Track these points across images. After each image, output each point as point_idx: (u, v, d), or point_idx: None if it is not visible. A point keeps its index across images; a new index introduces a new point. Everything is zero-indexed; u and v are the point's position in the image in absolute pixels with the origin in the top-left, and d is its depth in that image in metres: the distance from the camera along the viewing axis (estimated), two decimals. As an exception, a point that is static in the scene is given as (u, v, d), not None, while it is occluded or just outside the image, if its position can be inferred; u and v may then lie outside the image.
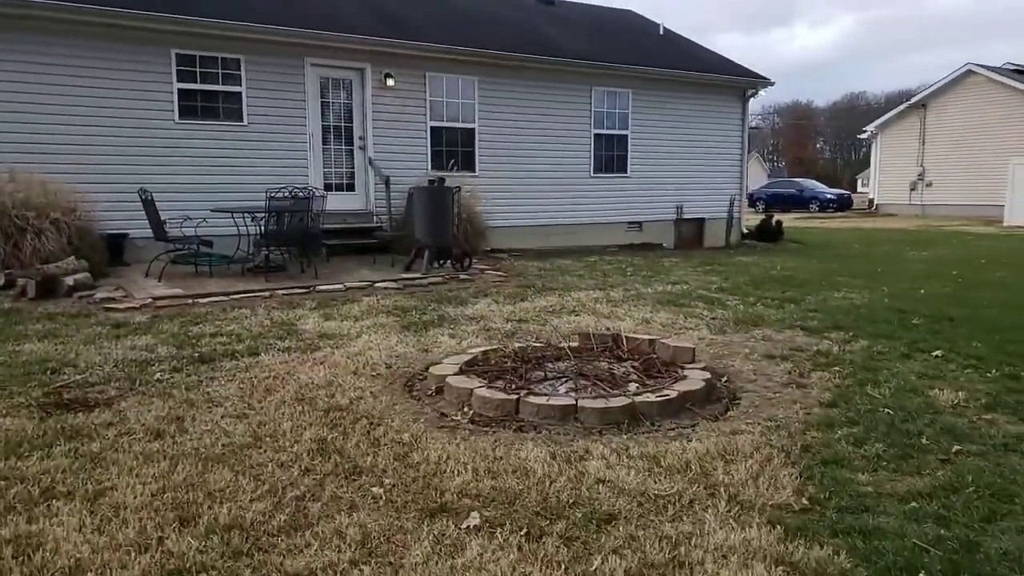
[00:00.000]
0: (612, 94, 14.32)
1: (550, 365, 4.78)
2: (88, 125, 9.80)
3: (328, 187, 11.71)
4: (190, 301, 7.56)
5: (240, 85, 10.80)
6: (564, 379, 4.49)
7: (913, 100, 29.53)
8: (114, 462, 3.51)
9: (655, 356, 4.92)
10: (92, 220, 9.16)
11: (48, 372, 5.11)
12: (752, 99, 16.12)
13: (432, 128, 12.48)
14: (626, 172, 14.74)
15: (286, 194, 8.66)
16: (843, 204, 32.98)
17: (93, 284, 8.00)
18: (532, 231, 13.46)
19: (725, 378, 4.97)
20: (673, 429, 3.94)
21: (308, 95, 11.34)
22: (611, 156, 14.54)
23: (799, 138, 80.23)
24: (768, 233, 16.86)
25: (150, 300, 7.45)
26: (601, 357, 4.95)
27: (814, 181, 38.11)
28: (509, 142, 13.27)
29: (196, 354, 5.62)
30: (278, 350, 5.79)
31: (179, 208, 9.60)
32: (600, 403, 4.01)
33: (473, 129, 12.91)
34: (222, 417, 4.20)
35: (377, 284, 8.69)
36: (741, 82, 15.85)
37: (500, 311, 7.47)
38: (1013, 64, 28.02)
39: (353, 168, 12.05)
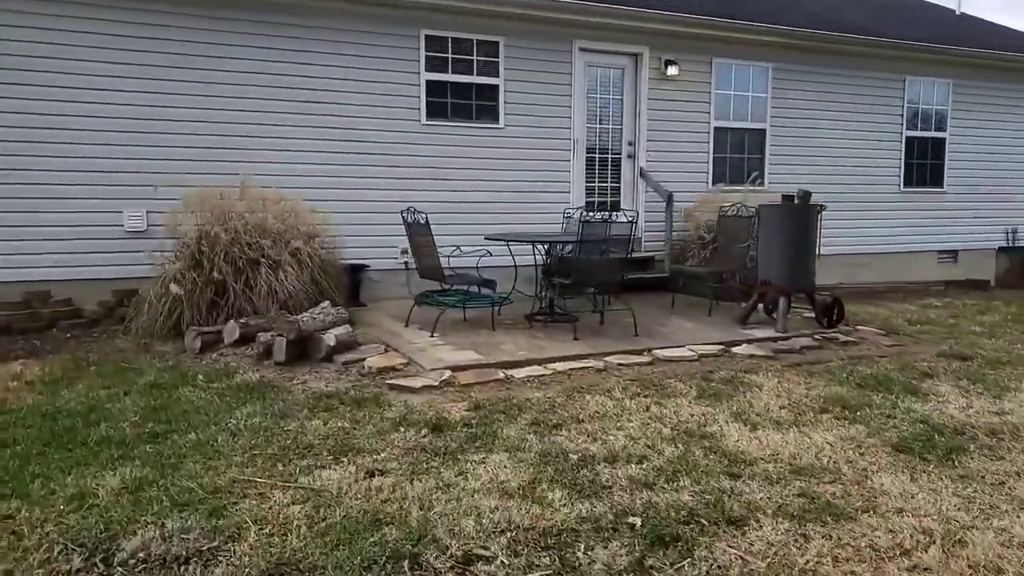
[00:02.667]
0: (929, 85, 11.03)
1: None
2: (323, 127, 7.70)
3: (589, 206, 9.17)
4: (501, 375, 5.07)
5: (497, 76, 8.44)
6: None
7: None
8: None
9: None
10: (331, 248, 6.98)
11: (394, 564, 2.65)
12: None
13: (715, 129, 9.71)
14: (941, 186, 11.35)
15: (602, 217, 6.09)
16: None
17: (355, 340, 5.70)
18: (831, 262, 10.31)
19: None
20: None
21: (575, 88, 8.85)
22: (923, 165, 11.21)
23: None
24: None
25: (447, 372, 5.03)
26: None
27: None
28: (804, 147, 10.28)
29: (635, 521, 3.02)
30: (770, 514, 3.09)
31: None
32: None
33: (763, 131, 10.02)
34: None
35: (734, 349, 5.94)
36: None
37: (1016, 415, 4.52)
38: None
39: (618, 182, 9.43)
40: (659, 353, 5.70)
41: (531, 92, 8.61)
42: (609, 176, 9.35)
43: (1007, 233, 11.87)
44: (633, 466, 3.57)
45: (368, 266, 7.76)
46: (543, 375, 5.11)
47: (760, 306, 6.96)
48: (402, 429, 4.03)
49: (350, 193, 7.82)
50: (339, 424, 4.11)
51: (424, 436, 3.93)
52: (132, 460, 3.58)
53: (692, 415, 4.34)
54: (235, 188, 6.65)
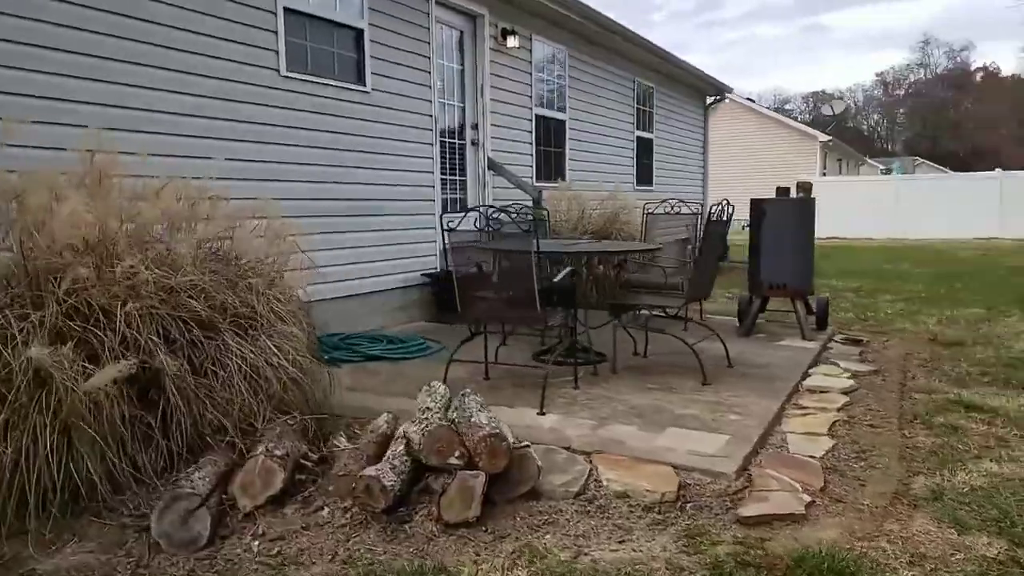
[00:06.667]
0: (645, 89, 11.69)
1: None
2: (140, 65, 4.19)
3: (443, 204, 7.16)
4: (816, 467, 3.28)
5: (362, 16, 5.84)
6: None
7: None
8: None
9: None
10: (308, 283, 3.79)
11: None
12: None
13: (536, 118, 8.55)
14: (651, 185, 12.21)
15: (718, 214, 4.57)
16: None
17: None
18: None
19: None
20: None
21: (433, 52, 6.71)
22: (643, 165, 11.90)
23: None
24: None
25: (772, 480, 3.04)
26: None
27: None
28: (590, 143, 9.87)
29: None
30: None
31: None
32: None
33: (563, 122, 9.23)
34: None
35: (843, 366, 5.10)
36: (708, 86, 14.25)
37: None
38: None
39: (465, 175, 7.56)
40: (811, 385, 4.55)
41: (394, 48, 6.23)
42: (457, 167, 7.42)
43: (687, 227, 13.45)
44: None
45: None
46: (825, 451, 3.51)
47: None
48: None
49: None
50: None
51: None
52: None
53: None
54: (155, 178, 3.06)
